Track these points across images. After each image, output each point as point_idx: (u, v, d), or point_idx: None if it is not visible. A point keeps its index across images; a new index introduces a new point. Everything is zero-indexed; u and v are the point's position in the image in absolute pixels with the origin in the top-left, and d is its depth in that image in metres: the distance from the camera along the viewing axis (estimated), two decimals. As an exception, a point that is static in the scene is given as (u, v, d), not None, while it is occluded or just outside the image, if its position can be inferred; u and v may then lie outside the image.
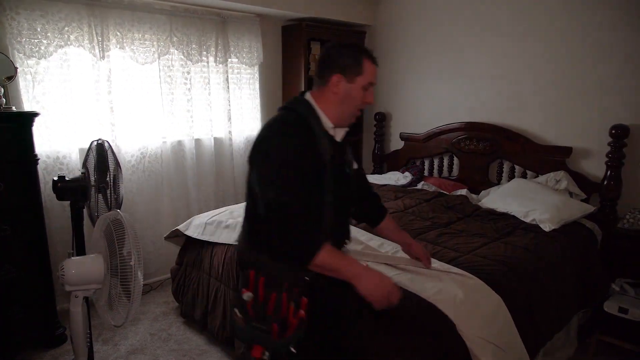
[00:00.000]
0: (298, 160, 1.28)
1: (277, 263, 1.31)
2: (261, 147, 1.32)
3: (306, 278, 1.33)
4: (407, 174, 3.78)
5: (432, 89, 3.88)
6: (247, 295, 1.31)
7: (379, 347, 1.65)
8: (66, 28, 2.74)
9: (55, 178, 1.92)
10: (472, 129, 3.53)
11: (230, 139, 3.75)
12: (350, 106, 1.41)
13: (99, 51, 2.90)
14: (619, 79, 2.82)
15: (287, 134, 1.31)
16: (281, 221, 1.26)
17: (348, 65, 1.37)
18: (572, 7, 2.98)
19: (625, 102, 2.80)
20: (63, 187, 1.92)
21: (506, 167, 3.39)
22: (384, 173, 4.18)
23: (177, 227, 2.89)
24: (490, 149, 3.41)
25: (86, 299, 1.76)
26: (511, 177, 3.33)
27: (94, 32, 2.86)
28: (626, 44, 2.77)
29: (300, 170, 1.28)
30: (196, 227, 2.79)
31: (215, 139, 3.66)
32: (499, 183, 3.41)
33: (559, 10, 3.04)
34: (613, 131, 2.71)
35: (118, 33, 2.98)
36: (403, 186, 3.63)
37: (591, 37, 2.91)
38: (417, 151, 3.97)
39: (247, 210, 1.43)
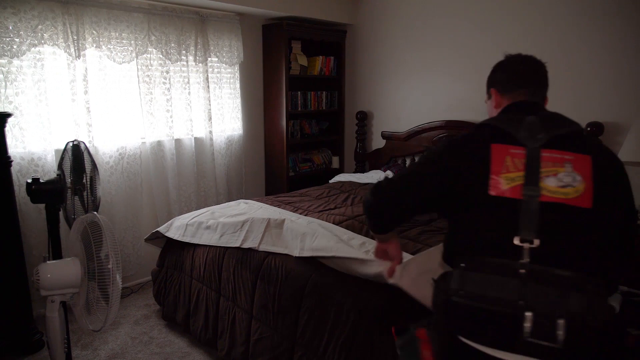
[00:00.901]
0: None
1: None
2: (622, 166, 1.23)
3: None
4: (388, 172, 3.81)
5: (413, 87, 3.92)
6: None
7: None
8: (40, 26, 2.68)
9: (29, 180, 1.87)
10: (452, 127, 3.57)
11: (211, 139, 3.71)
12: None
13: (75, 50, 2.84)
14: (593, 76, 2.89)
15: None
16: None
17: None
18: (548, 6, 3.04)
19: (600, 99, 2.88)
20: (37, 189, 1.88)
21: (486, 164, 3.43)
22: (366, 172, 4.20)
23: (158, 229, 2.85)
24: (470, 146, 3.44)
25: (63, 303, 1.72)
26: (491, 174, 3.37)
27: (69, 31, 2.79)
28: (602, 42, 2.84)
29: None
30: (177, 228, 2.76)
31: (195, 139, 3.62)
32: (479, 180, 3.45)
33: (535, 8, 3.10)
34: (588, 128, 2.78)
35: (94, 32, 2.92)
36: (385, 185, 3.64)
37: (567, 35, 2.98)
38: (398, 150, 4.00)
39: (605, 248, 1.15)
